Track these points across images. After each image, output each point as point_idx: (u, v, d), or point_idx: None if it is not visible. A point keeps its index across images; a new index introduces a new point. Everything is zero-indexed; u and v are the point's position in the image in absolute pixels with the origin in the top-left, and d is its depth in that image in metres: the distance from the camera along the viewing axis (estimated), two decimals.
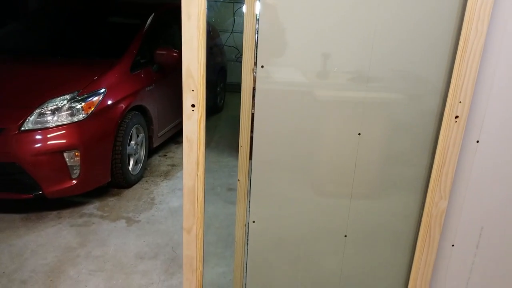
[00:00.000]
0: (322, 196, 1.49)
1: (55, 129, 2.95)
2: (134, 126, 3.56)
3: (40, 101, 3.01)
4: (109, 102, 3.26)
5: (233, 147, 4.47)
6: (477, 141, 1.38)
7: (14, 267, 2.48)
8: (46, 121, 2.95)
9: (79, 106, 3.06)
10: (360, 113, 1.38)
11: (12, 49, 3.94)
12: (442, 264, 1.53)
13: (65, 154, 2.96)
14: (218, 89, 5.77)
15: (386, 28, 1.30)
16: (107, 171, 3.30)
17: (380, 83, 1.36)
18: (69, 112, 3.02)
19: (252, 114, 1.59)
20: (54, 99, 3.03)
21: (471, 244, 1.51)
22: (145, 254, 2.66)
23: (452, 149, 1.35)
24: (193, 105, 1.27)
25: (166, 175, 3.86)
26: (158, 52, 3.90)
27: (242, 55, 1.61)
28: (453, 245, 1.51)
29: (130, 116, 3.48)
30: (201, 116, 1.28)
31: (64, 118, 3.00)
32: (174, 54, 3.92)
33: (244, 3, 1.53)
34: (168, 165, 4.09)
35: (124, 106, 3.38)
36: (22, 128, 2.89)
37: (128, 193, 3.49)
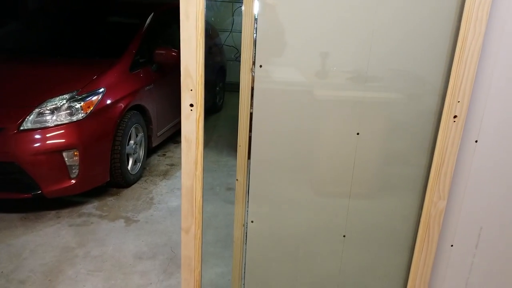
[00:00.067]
0: (321, 196, 1.49)
1: (54, 129, 2.95)
2: (133, 126, 3.56)
3: (39, 100, 3.01)
4: (108, 101, 3.26)
5: (232, 147, 4.46)
6: (476, 141, 1.38)
7: (12, 267, 2.47)
8: (45, 121, 2.95)
9: (78, 105, 3.06)
10: (359, 113, 1.38)
11: (11, 48, 3.94)
12: (441, 264, 1.53)
13: (64, 154, 2.96)
14: (217, 88, 5.76)
15: (385, 28, 1.30)
16: (106, 171, 3.30)
17: (379, 83, 1.36)
18: (68, 111, 3.02)
19: (251, 114, 1.59)
20: (53, 99, 3.03)
21: (470, 244, 1.50)
22: (143, 254, 2.66)
23: (451, 149, 1.35)
24: (191, 105, 1.26)
25: (165, 174, 3.86)
26: (157, 51, 3.90)
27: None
28: (452, 245, 1.50)
29: (129, 116, 3.47)
30: (199, 116, 1.27)
31: (63, 118, 2.99)
32: (174, 53, 3.92)
33: (242, 3, 1.53)
34: (167, 164, 4.09)
35: (123, 106, 3.38)
36: (21, 128, 2.89)
37: (127, 192, 3.49)
